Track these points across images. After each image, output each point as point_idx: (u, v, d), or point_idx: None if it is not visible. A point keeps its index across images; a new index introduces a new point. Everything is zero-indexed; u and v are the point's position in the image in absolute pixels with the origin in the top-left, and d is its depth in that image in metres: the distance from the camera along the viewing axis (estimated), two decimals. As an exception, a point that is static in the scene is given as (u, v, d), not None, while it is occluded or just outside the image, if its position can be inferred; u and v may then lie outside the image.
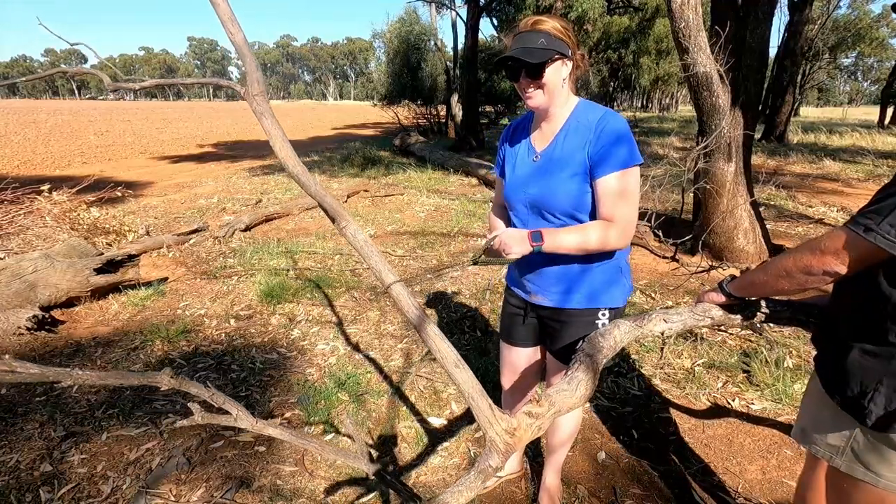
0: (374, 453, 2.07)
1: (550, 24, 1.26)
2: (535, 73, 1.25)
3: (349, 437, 2.19)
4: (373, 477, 1.08)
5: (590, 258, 1.39)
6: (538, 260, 1.42)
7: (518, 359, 1.71)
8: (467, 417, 2.28)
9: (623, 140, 1.26)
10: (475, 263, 1.28)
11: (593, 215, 1.33)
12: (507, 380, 1.77)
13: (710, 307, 1.24)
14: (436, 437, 2.17)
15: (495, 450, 0.91)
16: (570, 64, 1.29)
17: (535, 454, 2.07)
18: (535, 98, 1.30)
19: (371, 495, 1.84)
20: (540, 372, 1.75)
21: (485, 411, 0.95)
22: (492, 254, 1.31)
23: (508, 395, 1.81)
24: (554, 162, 1.33)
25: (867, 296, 0.93)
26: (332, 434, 2.21)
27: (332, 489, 1.88)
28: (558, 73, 1.28)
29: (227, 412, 1.00)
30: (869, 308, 0.93)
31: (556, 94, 1.30)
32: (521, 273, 1.51)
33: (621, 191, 1.26)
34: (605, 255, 1.40)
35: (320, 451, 1.06)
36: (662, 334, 1.21)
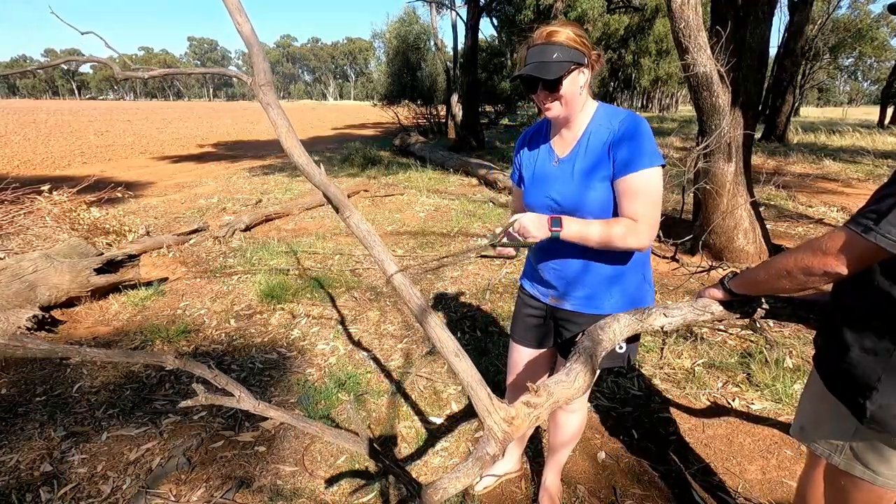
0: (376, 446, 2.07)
1: (564, 35, 1.25)
2: (552, 88, 1.26)
3: (350, 431, 2.19)
4: (372, 460, 1.09)
5: (617, 264, 1.38)
6: (562, 262, 1.42)
7: (528, 360, 1.69)
8: (467, 417, 2.28)
9: (645, 141, 1.26)
10: (493, 246, 1.27)
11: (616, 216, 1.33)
12: (513, 381, 1.76)
13: (710, 303, 1.25)
14: (436, 437, 2.17)
15: (493, 438, 0.92)
16: (587, 71, 1.29)
17: (536, 454, 2.07)
18: (553, 109, 1.30)
19: (371, 494, 1.84)
20: (548, 374, 1.74)
21: (483, 400, 0.95)
22: (510, 238, 1.30)
23: (513, 396, 1.79)
24: (579, 168, 1.33)
25: (867, 294, 0.93)
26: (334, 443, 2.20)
27: (332, 483, 1.88)
28: (575, 83, 1.27)
29: (230, 394, 1.00)
30: (868, 306, 0.93)
31: (575, 104, 1.30)
32: (546, 275, 1.49)
33: (643, 190, 1.26)
34: (631, 260, 1.39)
35: (321, 434, 1.06)
36: (662, 328, 1.21)
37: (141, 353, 0.98)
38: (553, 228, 1.25)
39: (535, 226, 1.25)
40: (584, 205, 1.32)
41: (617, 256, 1.38)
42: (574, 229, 1.27)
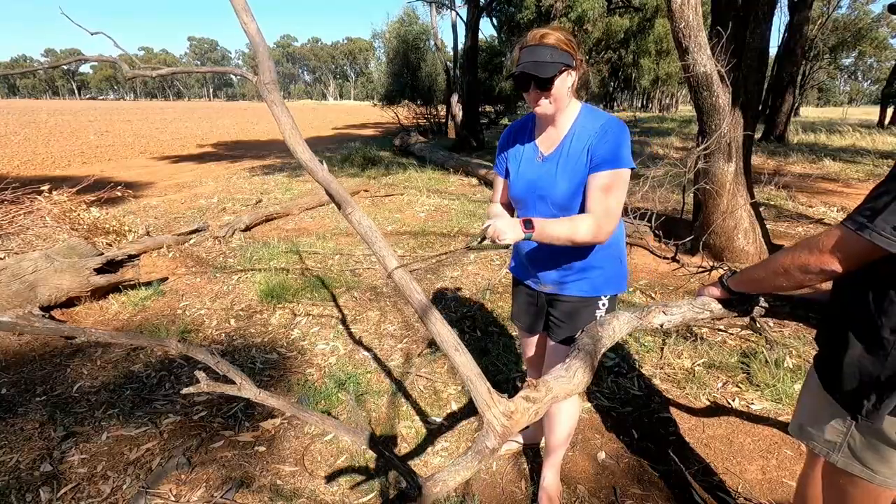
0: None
1: (555, 37, 1.35)
2: (545, 86, 1.35)
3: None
4: (370, 450, 1.09)
5: (590, 249, 1.48)
6: (542, 250, 1.52)
7: (535, 345, 1.85)
8: (467, 417, 2.28)
9: (620, 143, 1.36)
10: (470, 249, 1.33)
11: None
12: (530, 364, 1.94)
13: (709, 301, 1.25)
14: (436, 437, 2.17)
15: (492, 431, 0.93)
16: (574, 74, 1.39)
17: (535, 454, 2.07)
18: (543, 107, 1.39)
19: (371, 494, 1.84)
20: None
21: (483, 394, 0.96)
22: (488, 241, 1.35)
23: (531, 372, 1.97)
24: (562, 167, 1.42)
25: (864, 292, 0.94)
26: (332, 435, 2.21)
27: (332, 487, 1.88)
28: (564, 83, 1.37)
29: (231, 381, 1.00)
30: (865, 305, 0.93)
31: (562, 102, 1.40)
32: (527, 262, 1.61)
33: (609, 187, 1.35)
34: (607, 245, 1.48)
35: (321, 424, 1.07)
36: (661, 326, 1.22)
37: (144, 337, 1.00)
38: (525, 230, 1.31)
39: (508, 228, 1.31)
40: (570, 202, 1.42)
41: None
42: (543, 230, 1.34)
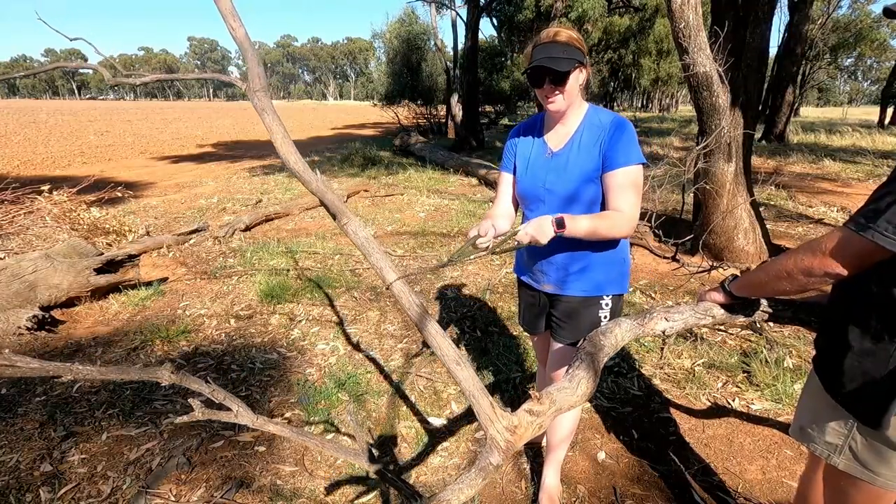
0: (375, 452, 2.07)
1: (567, 35, 1.40)
2: (559, 80, 1.38)
3: (350, 436, 2.19)
4: (374, 475, 1.08)
5: (596, 248, 1.50)
6: (546, 248, 1.51)
7: (541, 345, 1.88)
8: (467, 417, 2.28)
9: (632, 141, 1.40)
10: (493, 253, 1.32)
11: (604, 207, 1.46)
12: (542, 363, 1.97)
13: (711, 306, 1.25)
14: (436, 437, 2.17)
15: (496, 447, 0.91)
16: (584, 71, 1.44)
17: (535, 454, 2.07)
18: (556, 102, 1.42)
19: (371, 495, 1.84)
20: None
21: (485, 409, 0.95)
22: (505, 244, 1.36)
23: (540, 380, 2.01)
24: (573, 163, 1.45)
25: (864, 295, 0.93)
26: (333, 434, 2.21)
27: (332, 489, 1.88)
28: (577, 80, 1.42)
29: (227, 408, 0.99)
30: (868, 307, 0.93)
31: (574, 99, 1.44)
32: (529, 261, 1.63)
33: (630, 184, 1.39)
34: (611, 244, 1.51)
35: (320, 448, 1.05)
36: (664, 333, 1.21)
37: (136, 370, 0.98)
38: (557, 230, 1.33)
39: (540, 231, 1.31)
40: (578, 196, 1.44)
41: (594, 243, 1.49)
42: (574, 225, 1.35)
